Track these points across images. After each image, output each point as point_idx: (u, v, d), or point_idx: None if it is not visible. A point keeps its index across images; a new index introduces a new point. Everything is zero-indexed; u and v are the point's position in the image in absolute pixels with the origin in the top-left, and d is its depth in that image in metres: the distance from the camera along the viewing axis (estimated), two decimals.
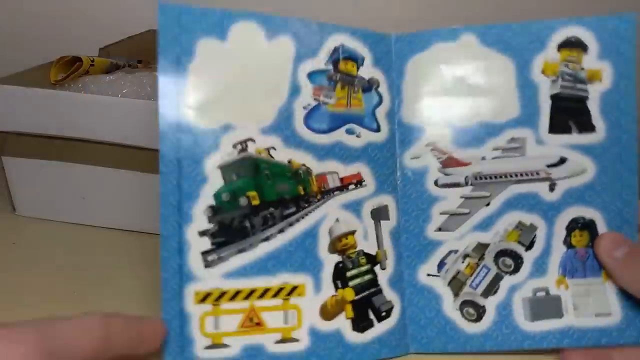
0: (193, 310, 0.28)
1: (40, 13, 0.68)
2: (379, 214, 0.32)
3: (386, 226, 0.32)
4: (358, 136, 0.32)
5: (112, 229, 0.46)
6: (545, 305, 0.31)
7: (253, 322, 0.29)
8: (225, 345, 0.29)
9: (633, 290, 0.30)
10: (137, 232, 0.45)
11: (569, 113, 0.32)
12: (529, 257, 0.32)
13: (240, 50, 0.30)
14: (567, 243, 0.32)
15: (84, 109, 0.41)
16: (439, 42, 0.33)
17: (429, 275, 0.32)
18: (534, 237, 0.32)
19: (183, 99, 0.29)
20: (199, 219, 0.29)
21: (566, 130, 0.32)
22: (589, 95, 0.32)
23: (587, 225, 0.32)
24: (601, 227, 0.31)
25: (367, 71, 0.33)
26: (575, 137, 0.32)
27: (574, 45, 0.31)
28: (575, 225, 0.32)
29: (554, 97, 0.32)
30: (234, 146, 0.30)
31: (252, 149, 0.30)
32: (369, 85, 0.33)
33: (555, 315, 0.31)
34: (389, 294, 0.32)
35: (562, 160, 0.32)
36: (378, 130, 0.33)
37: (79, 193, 0.45)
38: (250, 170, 0.30)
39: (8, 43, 0.68)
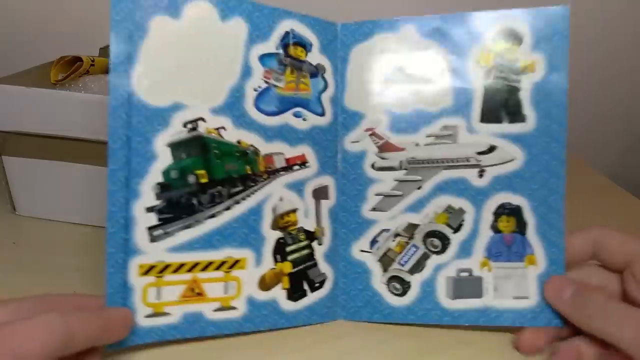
0: (136, 282, 0.29)
1: (40, 13, 0.67)
2: (319, 194, 0.35)
3: (326, 205, 0.35)
4: (304, 119, 0.34)
5: None
6: (466, 285, 0.33)
7: (194, 292, 0.31)
8: (166, 314, 0.30)
9: (585, 328, 0.29)
10: None
11: (500, 103, 0.33)
12: (455, 239, 0.33)
13: (193, 29, 0.30)
14: (494, 228, 0.33)
15: (84, 109, 0.41)
16: (381, 33, 0.34)
17: (362, 251, 0.35)
18: (462, 220, 0.33)
19: (135, 75, 0.29)
20: (147, 196, 0.30)
21: (497, 119, 0.33)
22: (521, 86, 0.32)
23: (514, 211, 0.33)
24: (527, 214, 0.33)
25: (315, 57, 0.34)
26: (506, 127, 0.33)
27: (509, 36, 0.32)
28: (503, 210, 0.33)
29: (487, 88, 0.33)
30: (184, 125, 0.31)
31: (202, 128, 0.31)
32: (316, 71, 0.34)
33: (475, 295, 0.33)
34: (324, 267, 0.34)
35: (492, 148, 0.33)
36: (323, 114, 0.35)
37: (79, 193, 0.45)
38: (199, 149, 0.31)
39: (8, 43, 0.67)
